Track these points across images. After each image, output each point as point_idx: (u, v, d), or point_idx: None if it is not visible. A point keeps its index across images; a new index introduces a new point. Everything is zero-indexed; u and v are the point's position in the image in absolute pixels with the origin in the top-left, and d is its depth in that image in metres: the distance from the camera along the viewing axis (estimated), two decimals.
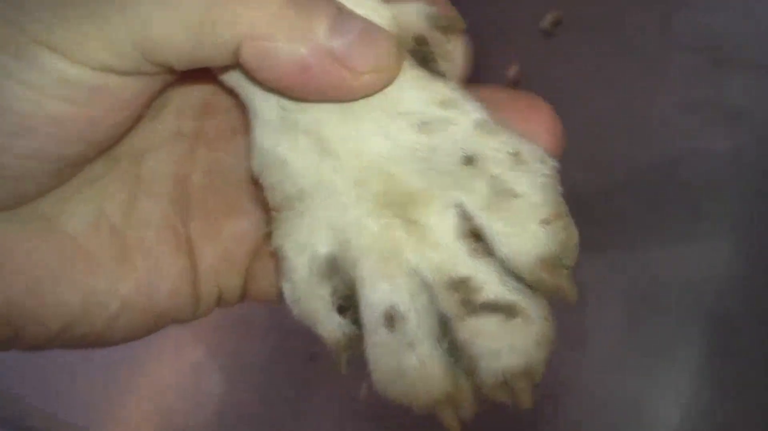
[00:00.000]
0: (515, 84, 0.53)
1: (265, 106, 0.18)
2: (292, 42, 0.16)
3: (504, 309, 0.16)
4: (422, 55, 0.18)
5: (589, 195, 0.47)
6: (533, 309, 0.16)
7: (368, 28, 0.16)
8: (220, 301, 0.21)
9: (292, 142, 0.17)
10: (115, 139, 0.18)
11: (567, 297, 0.17)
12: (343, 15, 0.16)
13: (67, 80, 0.16)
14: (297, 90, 0.16)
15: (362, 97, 0.17)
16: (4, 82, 0.15)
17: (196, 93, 0.21)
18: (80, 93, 0.16)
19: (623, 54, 0.54)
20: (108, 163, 0.19)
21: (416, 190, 0.17)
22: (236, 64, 0.17)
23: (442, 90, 0.17)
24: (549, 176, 0.17)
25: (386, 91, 0.17)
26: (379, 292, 0.17)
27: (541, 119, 0.18)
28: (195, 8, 0.16)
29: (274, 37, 0.16)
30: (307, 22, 0.16)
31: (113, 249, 0.19)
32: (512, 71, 0.53)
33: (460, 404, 0.17)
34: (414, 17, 0.18)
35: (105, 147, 0.18)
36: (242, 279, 0.21)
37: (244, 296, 0.21)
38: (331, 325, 0.17)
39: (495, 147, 0.17)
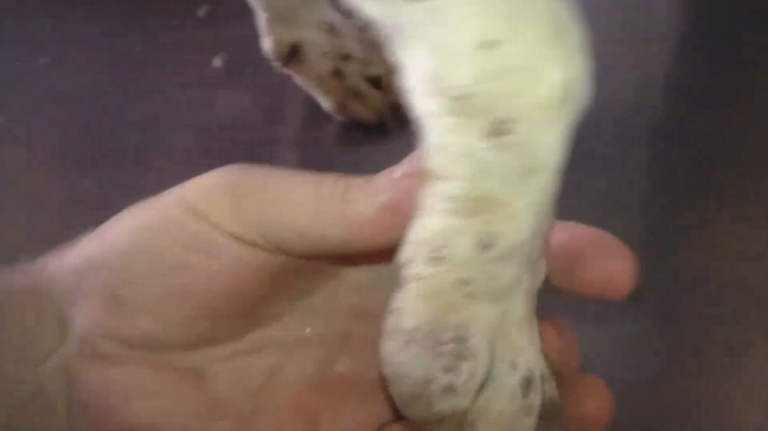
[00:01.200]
0: None
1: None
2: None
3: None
4: None
5: None
6: None
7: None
8: None
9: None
10: (248, 305, 0.21)
11: None
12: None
13: (214, 244, 0.20)
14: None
15: None
16: (163, 238, 0.20)
17: (348, 297, 0.23)
18: (222, 254, 0.20)
19: None
20: (260, 343, 0.22)
21: None
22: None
23: None
24: None
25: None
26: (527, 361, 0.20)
27: None
28: (308, 201, 0.20)
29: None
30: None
31: (246, 408, 0.22)
32: None
33: None
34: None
35: (242, 309, 0.21)
36: None
37: None
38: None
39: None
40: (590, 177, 0.49)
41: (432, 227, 0.18)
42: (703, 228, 0.46)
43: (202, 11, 0.60)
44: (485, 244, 0.18)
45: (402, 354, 0.18)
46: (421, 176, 0.18)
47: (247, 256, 0.20)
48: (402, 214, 0.19)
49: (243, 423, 0.21)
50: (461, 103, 0.17)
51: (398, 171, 0.20)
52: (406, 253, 0.19)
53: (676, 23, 0.60)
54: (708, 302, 0.43)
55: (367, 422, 0.22)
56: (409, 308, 0.18)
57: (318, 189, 0.20)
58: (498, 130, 0.17)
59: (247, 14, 0.48)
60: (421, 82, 0.17)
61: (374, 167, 0.21)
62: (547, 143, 0.18)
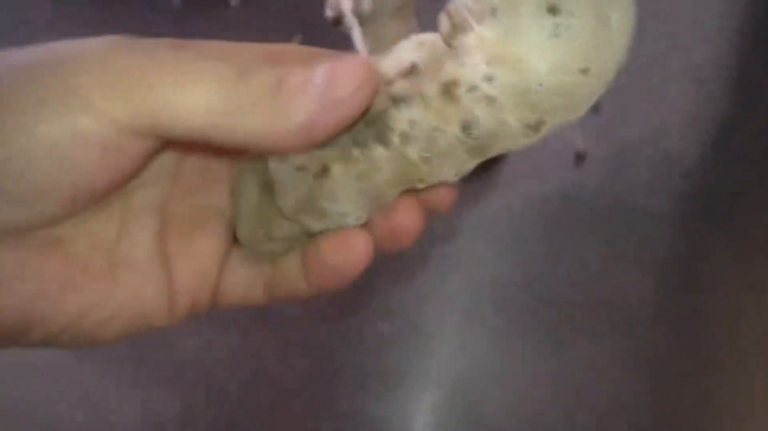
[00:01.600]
0: None
1: None
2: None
3: None
4: None
5: None
6: None
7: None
8: (192, 309, 0.24)
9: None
10: (119, 183, 0.21)
11: None
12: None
13: (95, 131, 0.19)
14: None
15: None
16: (52, 127, 0.18)
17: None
18: (102, 141, 0.19)
19: None
20: (107, 203, 0.22)
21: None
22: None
23: None
24: None
25: None
26: None
27: None
28: (218, 99, 0.19)
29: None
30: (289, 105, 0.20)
31: (107, 267, 0.22)
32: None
33: None
34: None
35: (111, 188, 0.20)
36: (212, 291, 0.24)
37: (212, 305, 0.24)
38: None
39: None
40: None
41: (441, 138, 0.21)
42: (736, 251, 0.49)
43: (296, 40, 0.65)
44: (459, 172, 0.21)
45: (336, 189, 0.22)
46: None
47: (137, 147, 0.19)
48: (318, 131, 0.19)
49: (108, 283, 0.22)
50: (530, 95, 0.20)
51: (316, 79, 0.19)
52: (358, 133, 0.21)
53: (716, 59, 0.62)
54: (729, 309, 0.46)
55: (214, 252, 0.24)
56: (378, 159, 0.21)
57: (227, 82, 0.19)
58: (536, 126, 0.20)
59: (336, 45, 0.51)
60: (505, 62, 0.20)
61: None
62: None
